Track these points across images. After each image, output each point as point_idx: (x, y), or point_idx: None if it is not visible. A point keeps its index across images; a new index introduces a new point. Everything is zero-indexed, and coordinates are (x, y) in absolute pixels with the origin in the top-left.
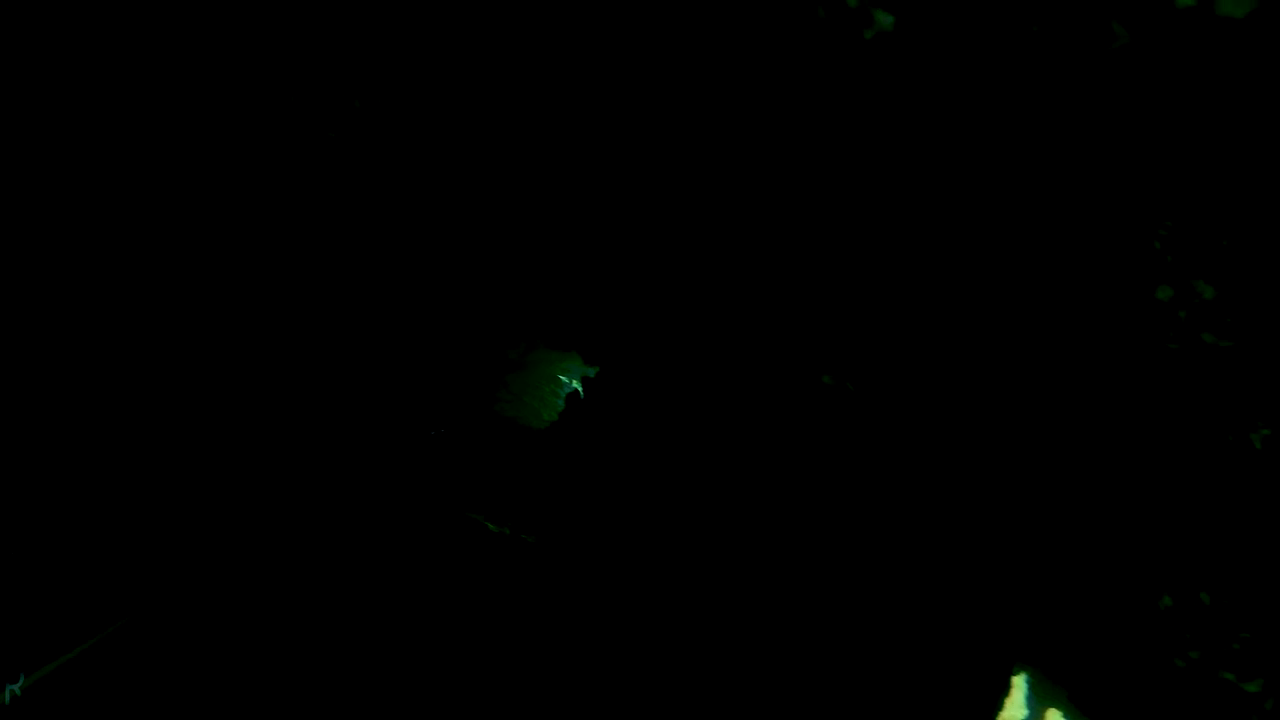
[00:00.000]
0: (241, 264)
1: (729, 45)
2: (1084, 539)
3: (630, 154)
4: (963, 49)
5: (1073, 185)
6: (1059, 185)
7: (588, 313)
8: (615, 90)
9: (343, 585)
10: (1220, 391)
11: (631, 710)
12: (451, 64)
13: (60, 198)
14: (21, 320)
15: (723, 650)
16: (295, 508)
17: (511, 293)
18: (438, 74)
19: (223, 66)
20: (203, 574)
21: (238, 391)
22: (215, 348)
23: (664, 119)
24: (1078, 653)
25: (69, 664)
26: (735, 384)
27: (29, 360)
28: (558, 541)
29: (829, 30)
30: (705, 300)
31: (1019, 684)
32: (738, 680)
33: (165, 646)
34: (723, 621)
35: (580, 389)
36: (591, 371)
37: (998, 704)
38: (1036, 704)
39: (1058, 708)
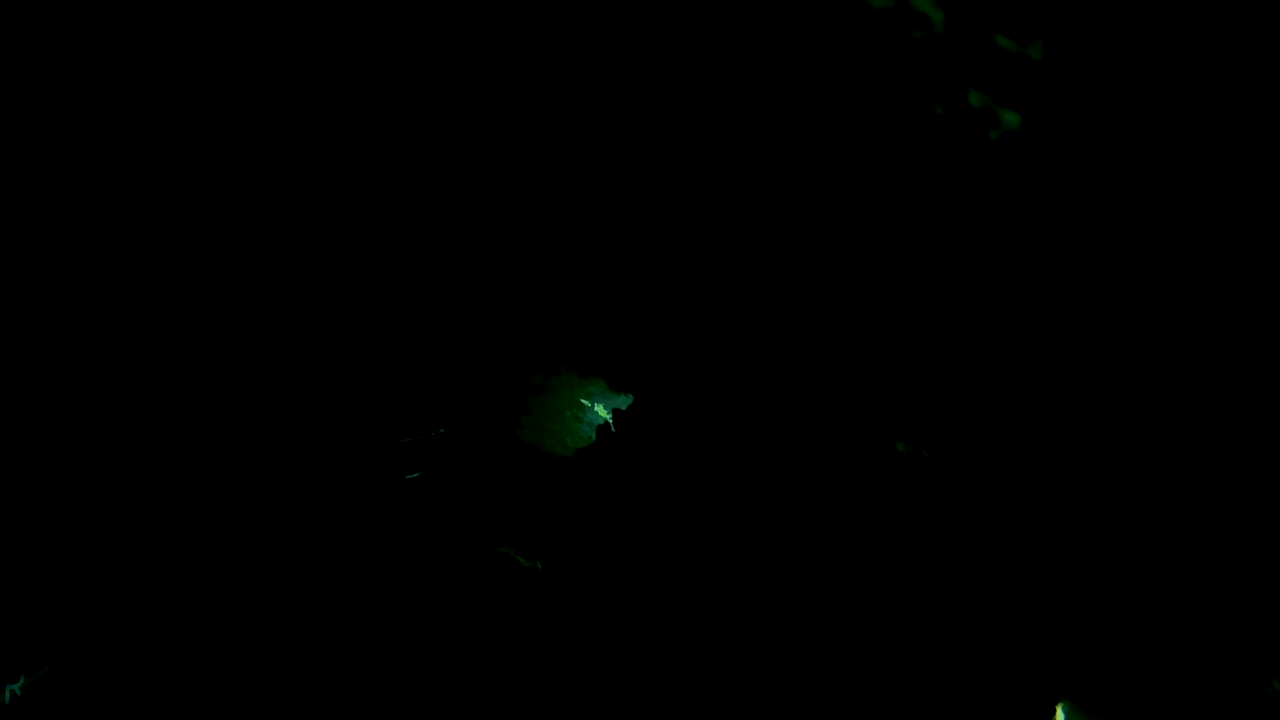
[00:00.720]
0: (252, 279)
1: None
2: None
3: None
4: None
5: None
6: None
7: (623, 340)
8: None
9: (363, 610)
10: None
11: None
12: (474, 65)
13: (61, 198)
14: (21, 320)
15: (768, 704)
16: (310, 532)
17: (537, 314)
18: (455, 75)
19: (229, 69)
20: (207, 589)
21: (246, 422)
22: (229, 369)
23: (755, 197)
24: (1126, 684)
25: (69, 664)
26: (796, 445)
27: (29, 360)
28: (596, 579)
29: (947, 131)
30: (766, 350)
31: (1059, 714)
32: None
33: (165, 647)
34: (772, 681)
35: (609, 419)
36: (619, 399)
37: None
38: None
39: None
